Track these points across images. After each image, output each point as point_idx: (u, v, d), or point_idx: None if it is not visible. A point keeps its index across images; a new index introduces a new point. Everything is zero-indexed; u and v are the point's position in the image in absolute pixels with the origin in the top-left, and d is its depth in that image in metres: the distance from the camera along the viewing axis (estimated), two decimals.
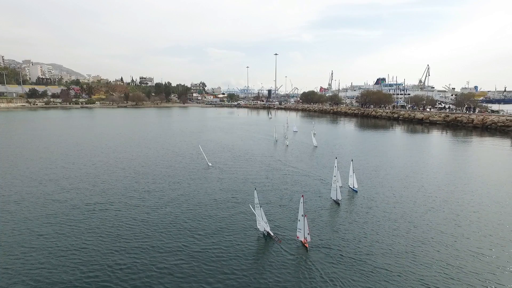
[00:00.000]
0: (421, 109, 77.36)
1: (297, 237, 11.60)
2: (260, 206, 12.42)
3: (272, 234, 12.24)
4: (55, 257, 10.76)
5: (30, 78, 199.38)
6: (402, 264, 10.33)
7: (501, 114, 55.94)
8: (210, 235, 12.58)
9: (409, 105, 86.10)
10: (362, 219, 14.28)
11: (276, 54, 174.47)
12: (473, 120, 53.66)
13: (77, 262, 10.48)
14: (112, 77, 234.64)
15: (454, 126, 55.97)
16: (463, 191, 18.51)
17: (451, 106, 76.20)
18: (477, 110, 64.79)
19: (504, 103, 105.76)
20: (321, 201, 16.53)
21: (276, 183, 19.95)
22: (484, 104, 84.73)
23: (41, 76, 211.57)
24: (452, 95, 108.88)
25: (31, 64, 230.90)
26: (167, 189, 18.68)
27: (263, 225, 12.38)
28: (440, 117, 60.80)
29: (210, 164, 24.88)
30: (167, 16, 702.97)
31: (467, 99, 67.47)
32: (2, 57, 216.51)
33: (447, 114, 61.53)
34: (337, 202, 16.18)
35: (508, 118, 49.61)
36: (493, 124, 49.88)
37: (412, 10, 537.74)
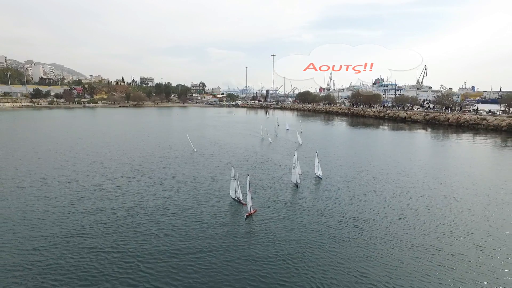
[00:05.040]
0: (405, 108, 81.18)
1: (245, 205, 15.40)
2: (235, 179, 16.40)
3: (241, 198, 16.36)
4: (67, 221, 14.48)
5: (32, 79, 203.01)
6: (331, 226, 14.12)
7: (478, 113, 59.71)
8: (189, 200, 16.87)
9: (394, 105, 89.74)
10: (312, 196, 18.02)
11: (273, 55, 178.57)
12: (449, 119, 57.67)
13: (81, 227, 13.70)
14: (113, 77, 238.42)
15: (432, 124, 59.97)
16: (412, 176, 22.17)
17: (435, 106, 79.90)
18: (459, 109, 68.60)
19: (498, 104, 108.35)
20: (283, 183, 20.45)
21: (249, 168, 23.89)
22: (469, 104, 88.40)
23: (43, 76, 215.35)
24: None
25: (33, 64, 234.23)
26: (156, 171, 23.30)
27: (234, 192, 16.57)
28: (421, 116, 64.81)
29: (195, 150, 29.82)
30: (167, 16, 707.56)
31: (446, 99, 71.42)
32: (5, 57, 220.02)
33: (427, 113, 65.51)
34: (296, 185, 19.80)
35: (479, 117, 53.63)
36: (465, 122, 53.90)
37: (412, 10, 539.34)
